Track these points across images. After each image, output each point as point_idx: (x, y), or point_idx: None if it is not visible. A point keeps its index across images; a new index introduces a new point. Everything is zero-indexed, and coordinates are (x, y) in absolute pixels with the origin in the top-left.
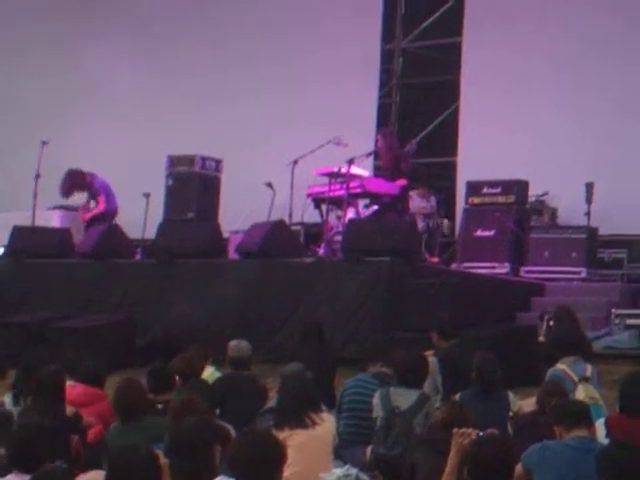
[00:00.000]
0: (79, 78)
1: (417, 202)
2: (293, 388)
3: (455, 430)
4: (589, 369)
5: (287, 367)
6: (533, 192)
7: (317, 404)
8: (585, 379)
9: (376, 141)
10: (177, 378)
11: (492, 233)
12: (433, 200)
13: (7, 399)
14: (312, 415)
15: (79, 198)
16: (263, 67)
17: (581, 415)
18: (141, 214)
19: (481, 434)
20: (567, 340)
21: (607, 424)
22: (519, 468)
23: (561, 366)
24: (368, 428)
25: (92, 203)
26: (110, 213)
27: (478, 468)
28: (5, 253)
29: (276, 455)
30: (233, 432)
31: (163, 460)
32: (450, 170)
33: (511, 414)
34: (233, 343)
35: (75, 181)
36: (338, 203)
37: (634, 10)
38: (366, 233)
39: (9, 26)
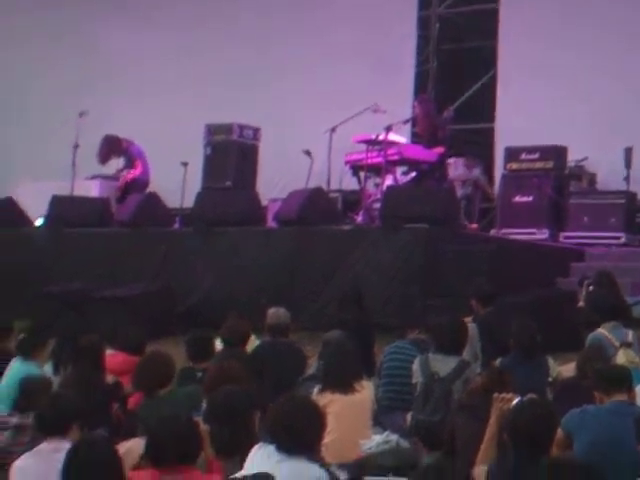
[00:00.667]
0: (115, 51)
1: (461, 171)
2: (337, 354)
3: (495, 395)
4: (630, 334)
5: (329, 334)
6: (572, 157)
7: (358, 371)
8: (627, 344)
9: (413, 108)
10: (218, 346)
11: (531, 199)
12: (477, 170)
13: (47, 368)
14: (354, 381)
15: (116, 165)
16: (301, 37)
17: (621, 379)
18: (179, 183)
19: (521, 399)
20: (607, 305)
21: None
22: (559, 432)
23: (602, 331)
24: (407, 394)
25: (125, 171)
26: (145, 181)
27: (518, 433)
28: (44, 223)
29: (316, 422)
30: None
31: (203, 427)
32: (488, 136)
33: (550, 379)
34: (272, 310)
35: (112, 147)
36: (376, 170)
37: None
38: (404, 200)
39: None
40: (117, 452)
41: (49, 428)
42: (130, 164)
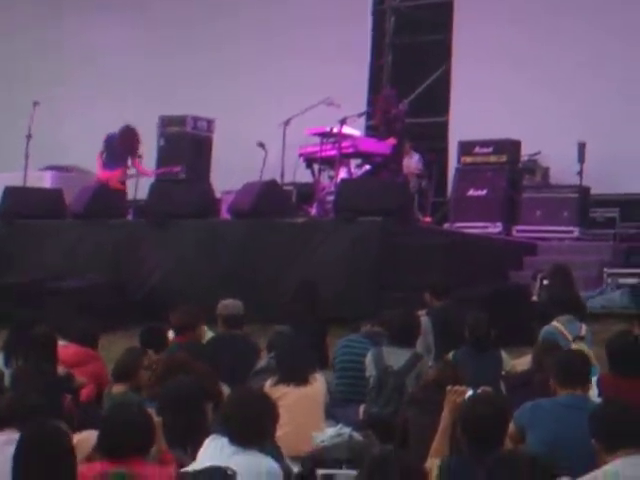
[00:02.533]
0: (71, 44)
1: (416, 163)
2: (289, 346)
3: (448, 388)
4: (583, 328)
5: (279, 327)
6: (525, 151)
7: (311, 363)
8: (579, 338)
9: (376, 100)
10: (170, 337)
11: (484, 193)
12: (416, 157)
13: None
14: (307, 373)
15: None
16: (256, 31)
17: (581, 373)
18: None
19: (475, 392)
20: (562, 299)
21: (599, 383)
22: (512, 426)
23: (556, 324)
24: (360, 387)
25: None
26: None
27: (471, 426)
28: None
29: (269, 414)
30: (227, 390)
31: (156, 419)
32: (442, 130)
33: (504, 373)
34: (225, 302)
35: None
36: (330, 163)
37: None
38: (358, 193)
39: None
40: (69, 442)
41: (4, 421)
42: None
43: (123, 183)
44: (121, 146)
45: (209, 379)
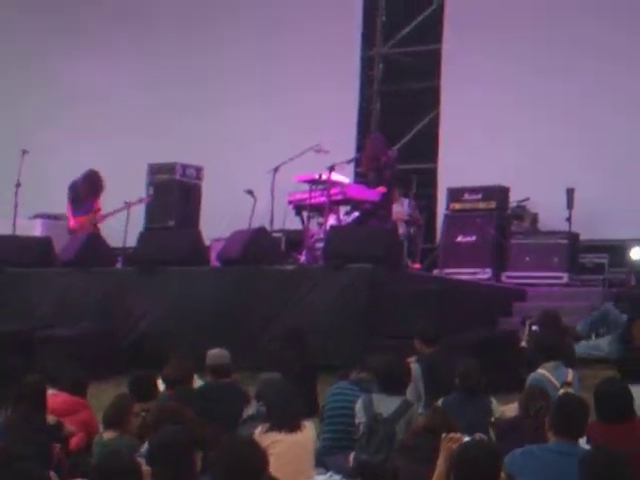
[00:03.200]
0: (59, 89)
1: (407, 210)
2: (280, 393)
3: (444, 435)
4: (570, 374)
5: (267, 374)
6: (514, 198)
7: (301, 409)
8: (567, 384)
9: (364, 146)
10: (160, 386)
11: (473, 239)
12: (406, 203)
13: None
14: (298, 420)
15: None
16: (243, 75)
17: (578, 423)
18: (122, 222)
19: (471, 439)
20: (548, 345)
21: (587, 430)
22: (502, 474)
23: (542, 371)
24: (351, 434)
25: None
26: None
27: (464, 471)
28: None
29: (258, 463)
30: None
31: (145, 468)
32: (430, 177)
33: (493, 419)
34: (212, 352)
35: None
36: (319, 210)
37: (617, 12)
38: (347, 240)
39: None
40: None
41: None
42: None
43: (95, 226)
44: (86, 190)
45: (199, 428)
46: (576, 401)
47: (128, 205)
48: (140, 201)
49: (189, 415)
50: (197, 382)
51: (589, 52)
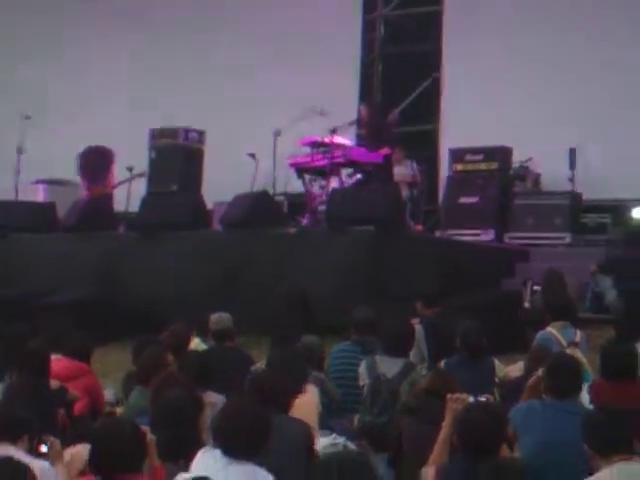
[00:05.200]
0: (61, 57)
1: (410, 171)
2: (282, 355)
3: (449, 396)
4: (578, 334)
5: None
6: (516, 158)
7: (304, 373)
8: (574, 344)
9: (359, 110)
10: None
11: (476, 200)
12: (410, 164)
13: None
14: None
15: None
16: (245, 40)
17: (569, 381)
18: (124, 187)
19: (475, 400)
20: (556, 304)
21: (590, 390)
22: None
23: (551, 330)
24: (354, 396)
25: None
26: None
27: (467, 432)
28: None
29: (262, 426)
30: (221, 401)
31: (150, 436)
32: (432, 138)
33: (497, 380)
34: (214, 316)
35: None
36: (321, 173)
37: None
38: (350, 202)
39: None
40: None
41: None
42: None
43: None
44: (99, 163)
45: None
46: (568, 360)
47: (131, 178)
48: (141, 175)
49: (187, 380)
50: (200, 346)
51: (595, 5)
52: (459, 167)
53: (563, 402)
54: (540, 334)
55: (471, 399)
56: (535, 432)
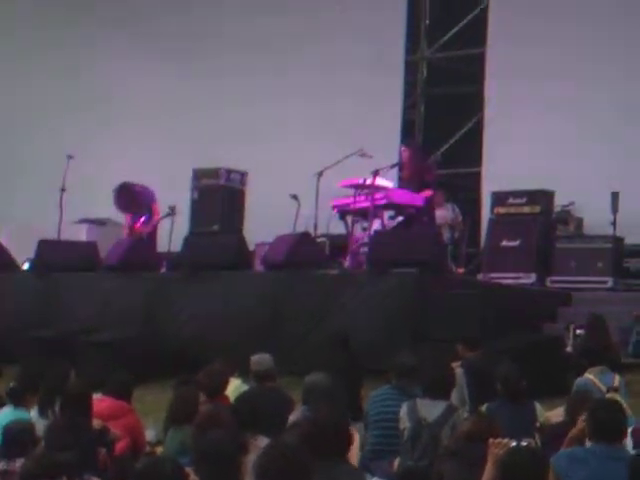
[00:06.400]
0: (101, 94)
1: (451, 214)
2: (325, 398)
3: (491, 440)
4: (617, 379)
5: (311, 376)
6: (559, 202)
7: (346, 415)
8: (613, 389)
9: (401, 152)
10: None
11: (518, 243)
12: (452, 207)
13: (33, 412)
14: None
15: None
16: (290, 78)
17: (612, 425)
18: (167, 227)
19: (518, 444)
20: (595, 349)
21: (634, 434)
22: (551, 474)
23: (589, 376)
24: (394, 439)
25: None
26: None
27: (511, 477)
28: (31, 267)
29: (303, 468)
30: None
31: (193, 477)
32: (475, 181)
33: (538, 424)
34: (255, 357)
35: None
36: (363, 214)
37: None
38: (391, 245)
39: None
40: None
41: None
42: (150, 210)
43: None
44: (138, 197)
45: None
46: (612, 405)
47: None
48: (168, 215)
49: (230, 420)
50: (242, 387)
51: (634, 53)
52: (501, 210)
53: (608, 447)
54: (578, 380)
55: (514, 443)
56: (581, 478)
